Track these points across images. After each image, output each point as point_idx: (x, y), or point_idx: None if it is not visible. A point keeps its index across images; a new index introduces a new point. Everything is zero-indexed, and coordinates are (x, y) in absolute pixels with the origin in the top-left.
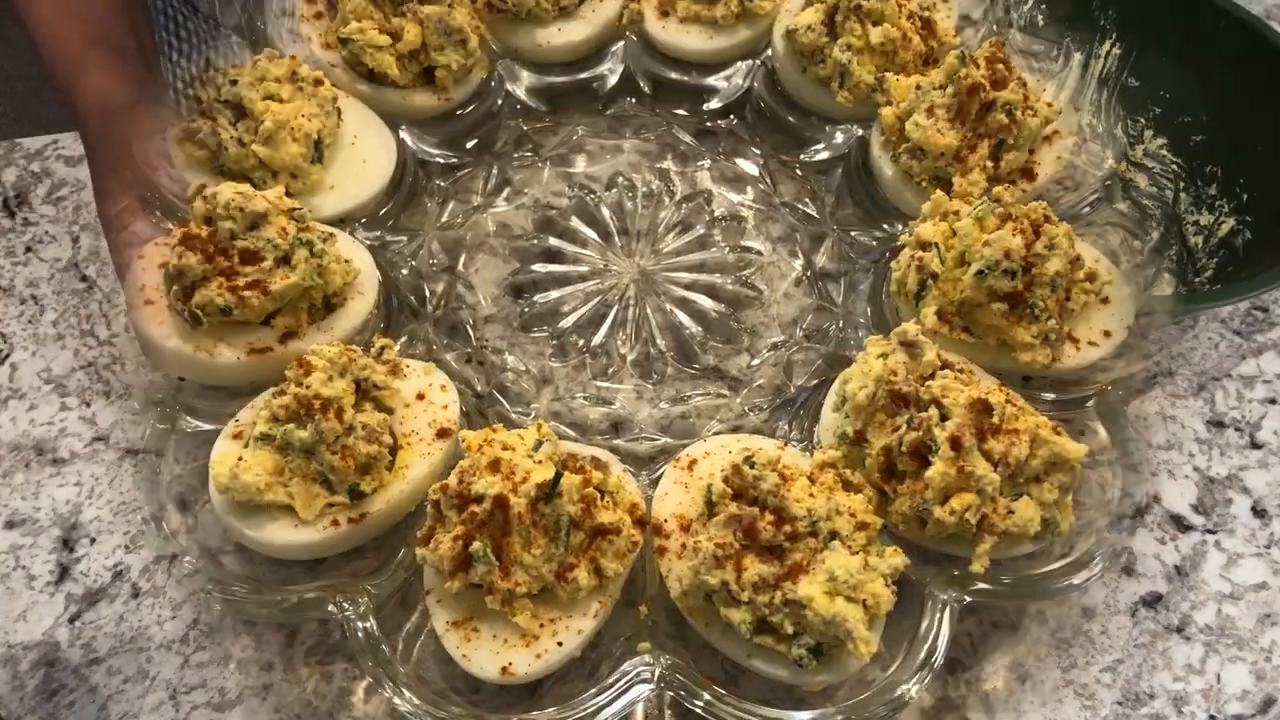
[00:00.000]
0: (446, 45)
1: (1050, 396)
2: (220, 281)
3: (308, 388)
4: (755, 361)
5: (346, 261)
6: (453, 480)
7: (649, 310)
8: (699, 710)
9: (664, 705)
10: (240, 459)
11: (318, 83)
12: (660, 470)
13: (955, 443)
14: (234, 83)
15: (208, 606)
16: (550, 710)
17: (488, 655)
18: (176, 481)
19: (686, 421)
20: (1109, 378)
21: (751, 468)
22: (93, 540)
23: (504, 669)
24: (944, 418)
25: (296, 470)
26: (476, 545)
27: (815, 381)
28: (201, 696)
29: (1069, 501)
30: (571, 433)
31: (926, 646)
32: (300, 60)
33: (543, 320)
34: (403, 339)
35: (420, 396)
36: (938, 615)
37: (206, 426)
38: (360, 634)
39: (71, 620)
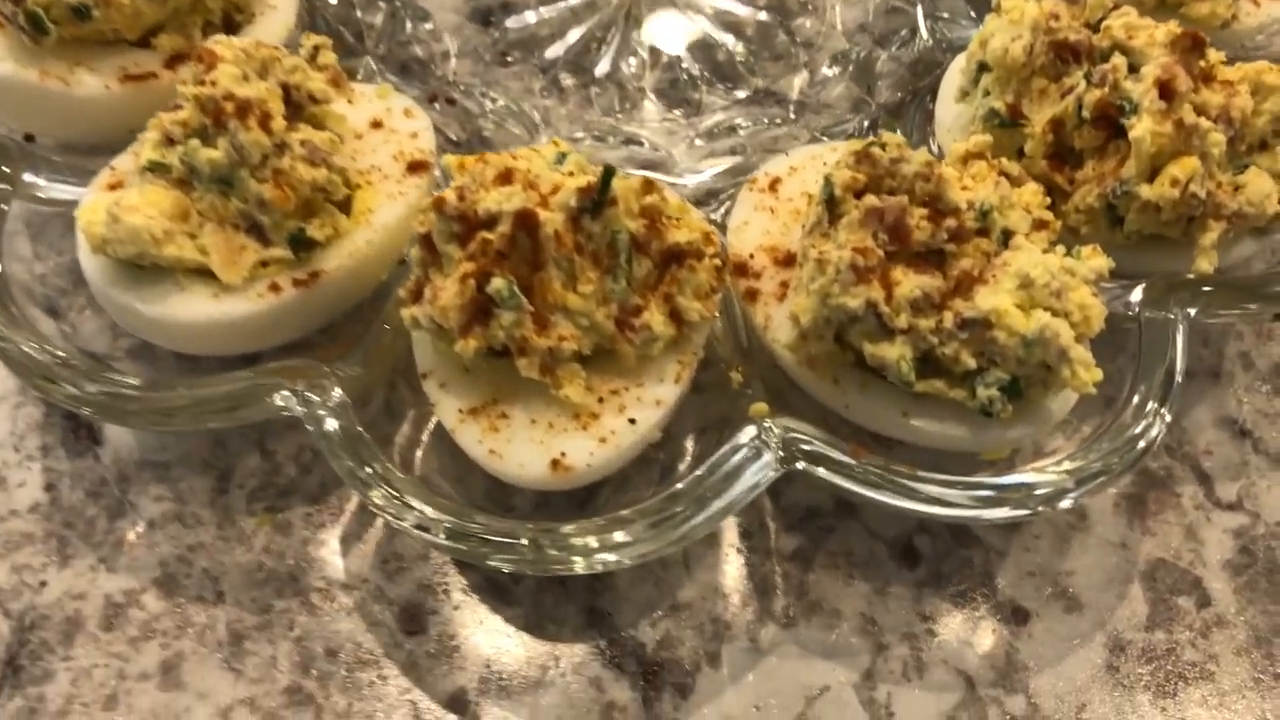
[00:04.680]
0: None
1: None
2: None
3: (214, 85)
4: (818, 78)
5: None
6: (450, 196)
7: (667, 26)
8: (860, 490)
9: (764, 514)
10: (118, 203)
11: None
12: (725, 204)
13: (1166, 89)
14: None
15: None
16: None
17: (527, 447)
18: (38, 282)
19: (738, 158)
20: None
21: (883, 149)
22: None
23: (555, 462)
24: (1134, 67)
25: (210, 212)
26: (498, 281)
27: (902, 94)
28: (105, 572)
29: None
30: None
31: (1163, 369)
32: None
33: (523, 48)
34: None
35: (377, 125)
36: (1173, 333)
37: (65, 194)
38: (335, 432)
39: None
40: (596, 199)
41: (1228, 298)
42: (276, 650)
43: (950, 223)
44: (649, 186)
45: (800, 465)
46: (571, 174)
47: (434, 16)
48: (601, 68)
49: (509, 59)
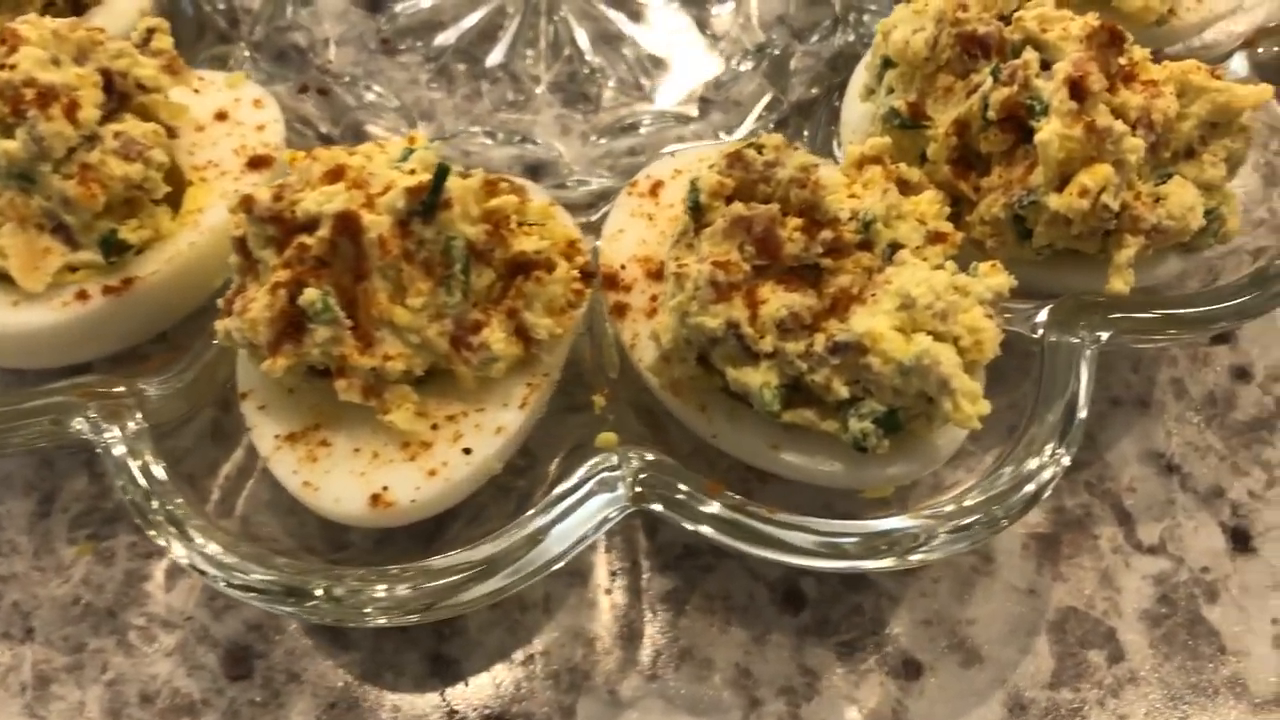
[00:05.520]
0: None
1: None
2: None
3: (13, 69)
4: (729, 73)
5: None
6: (262, 195)
7: (570, 18)
8: (710, 533)
9: (638, 551)
10: None
11: None
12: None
13: (1077, 87)
14: None
15: None
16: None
17: (346, 479)
18: None
19: (637, 158)
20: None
21: (759, 153)
22: None
23: (376, 497)
24: (1046, 64)
25: (9, 210)
26: (311, 292)
27: (817, 90)
28: None
29: (1233, 191)
30: None
31: (1064, 401)
32: None
33: (412, 35)
34: (201, 66)
35: (222, 116)
36: (1068, 363)
37: None
38: (123, 459)
39: None
40: (427, 201)
41: (1143, 322)
42: (86, 695)
43: (826, 235)
44: (493, 188)
45: (656, 507)
46: (413, 172)
47: (319, 2)
48: (494, 57)
49: (397, 47)
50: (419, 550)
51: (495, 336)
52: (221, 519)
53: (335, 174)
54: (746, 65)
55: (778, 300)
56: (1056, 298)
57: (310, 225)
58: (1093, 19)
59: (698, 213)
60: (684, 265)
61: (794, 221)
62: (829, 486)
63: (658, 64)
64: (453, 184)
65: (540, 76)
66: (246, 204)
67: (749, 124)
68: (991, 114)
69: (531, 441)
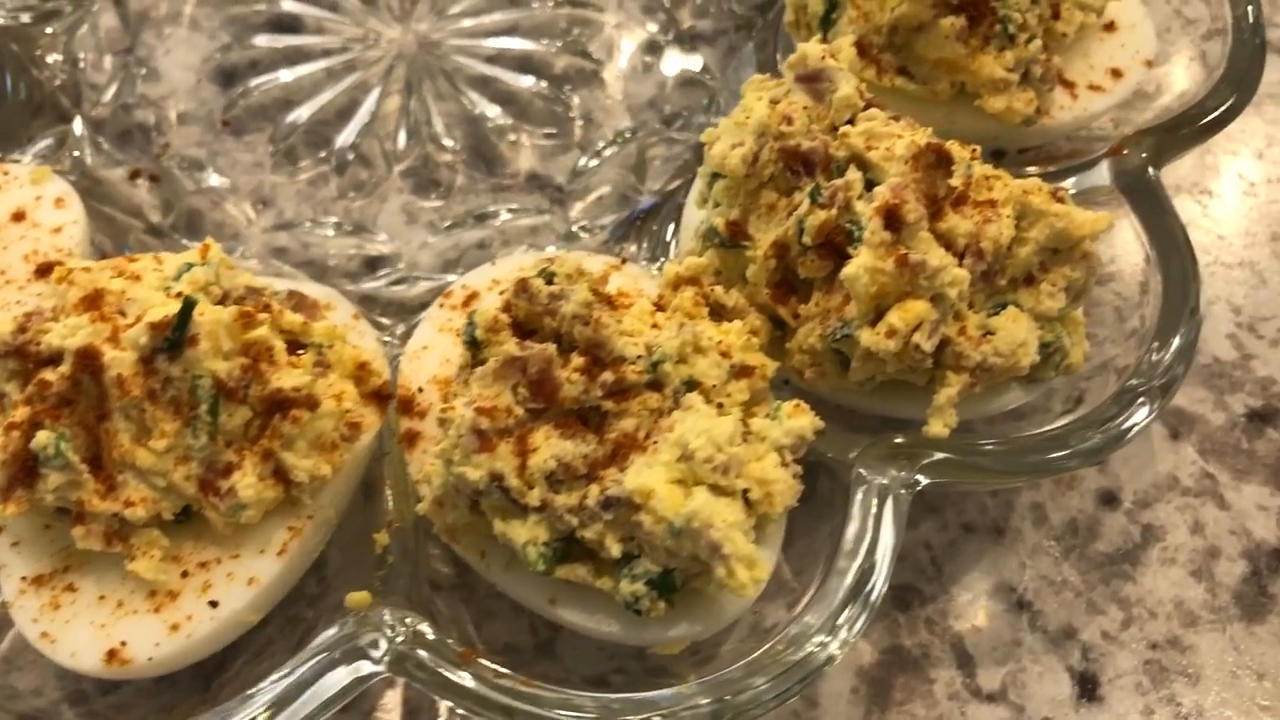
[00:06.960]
0: None
1: (1035, 171)
2: None
3: None
4: (591, 160)
5: None
6: (4, 326)
7: (429, 98)
8: (457, 705)
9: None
10: None
11: None
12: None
13: (892, 215)
14: None
15: None
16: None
17: (86, 631)
18: None
19: (485, 252)
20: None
21: (549, 282)
22: None
23: (113, 653)
24: (871, 184)
25: None
26: (43, 435)
27: (677, 183)
28: None
29: (1080, 317)
30: (302, 275)
31: (858, 564)
32: None
33: (263, 116)
34: (41, 144)
35: (19, 216)
36: (873, 511)
37: None
38: None
39: None
40: (171, 337)
41: (963, 469)
42: None
43: (608, 377)
44: (250, 319)
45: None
46: (179, 295)
47: (167, 76)
48: (343, 139)
49: (245, 125)
50: (200, 689)
51: (245, 481)
52: None
53: (90, 300)
54: (610, 151)
55: (549, 449)
56: (893, 421)
57: (55, 359)
58: (921, 137)
59: (474, 348)
60: (448, 409)
61: (576, 361)
62: (614, 644)
63: (517, 149)
64: (203, 317)
65: (392, 159)
66: None
67: (607, 217)
68: (807, 239)
69: (328, 568)
